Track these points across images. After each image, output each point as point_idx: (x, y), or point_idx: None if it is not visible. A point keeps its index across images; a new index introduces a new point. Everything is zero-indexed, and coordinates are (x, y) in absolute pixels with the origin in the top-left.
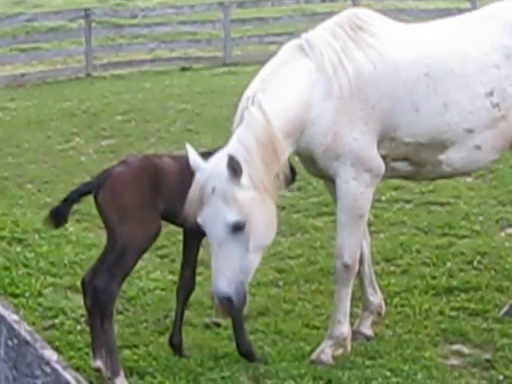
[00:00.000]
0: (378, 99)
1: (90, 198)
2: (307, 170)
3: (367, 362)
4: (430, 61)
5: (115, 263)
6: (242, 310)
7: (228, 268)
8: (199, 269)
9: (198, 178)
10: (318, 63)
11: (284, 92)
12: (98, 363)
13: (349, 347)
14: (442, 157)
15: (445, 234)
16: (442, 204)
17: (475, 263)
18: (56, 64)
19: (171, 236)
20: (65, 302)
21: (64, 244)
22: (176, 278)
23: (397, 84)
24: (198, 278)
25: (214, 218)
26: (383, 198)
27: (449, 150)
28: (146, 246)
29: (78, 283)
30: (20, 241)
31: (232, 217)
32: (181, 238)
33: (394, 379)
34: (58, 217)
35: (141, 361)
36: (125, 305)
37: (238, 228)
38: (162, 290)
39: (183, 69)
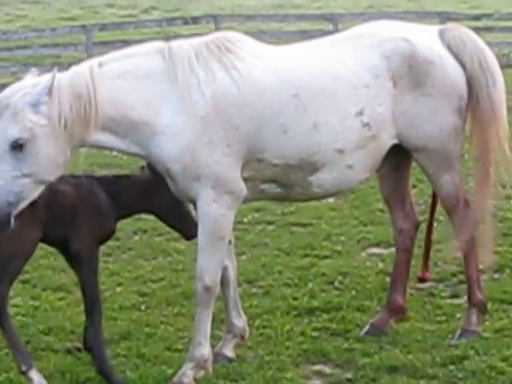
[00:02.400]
0: (242, 121)
1: None
2: (173, 192)
3: None
4: (299, 82)
5: (2, 268)
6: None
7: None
8: (60, 294)
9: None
10: (173, 76)
11: (129, 78)
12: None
13: (210, 369)
14: (311, 178)
15: (307, 255)
16: (303, 225)
17: (336, 283)
18: None
19: (33, 261)
20: None
21: None
22: (37, 303)
23: (263, 106)
24: (60, 303)
25: None
26: (245, 219)
27: (319, 171)
28: (29, 253)
29: None
30: None
31: (13, 132)
32: (42, 263)
33: None
34: None
35: None
36: None
37: (16, 146)
38: (23, 315)
39: None
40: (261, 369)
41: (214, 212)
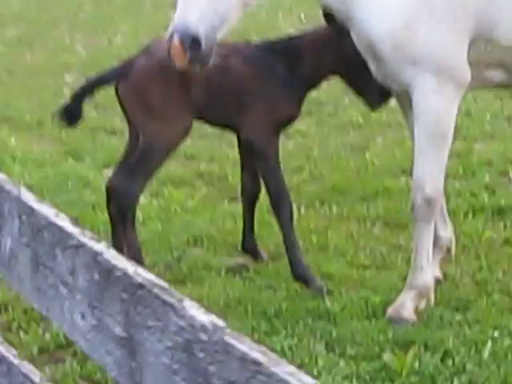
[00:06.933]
0: None
1: None
2: (375, 76)
3: (457, 316)
4: None
5: (138, 163)
6: (205, 63)
7: (202, 2)
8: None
9: None
10: None
11: None
12: None
13: (432, 298)
14: None
15: None
16: None
17: None
18: None
19: None
20: None
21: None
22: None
23: None
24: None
25: None
26: None
27: None
28: (173, 145)
29: None
30: None
31: None
32: None
33: None
34: (70, 116)
35: None
36: None
37: None
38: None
39: None
40: (485, 295)
41: (434, 105)
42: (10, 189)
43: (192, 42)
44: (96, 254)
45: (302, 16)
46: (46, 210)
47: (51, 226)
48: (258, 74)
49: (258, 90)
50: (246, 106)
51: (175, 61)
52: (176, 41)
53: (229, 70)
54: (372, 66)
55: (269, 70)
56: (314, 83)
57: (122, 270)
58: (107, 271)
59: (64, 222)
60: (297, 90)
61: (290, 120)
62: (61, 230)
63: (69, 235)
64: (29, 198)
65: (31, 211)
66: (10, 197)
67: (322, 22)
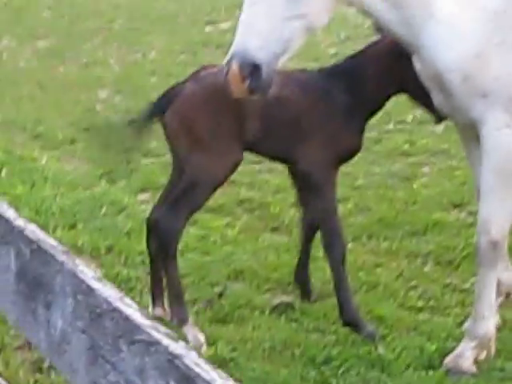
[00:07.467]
0: None
1: None
2: (440, 108)
3: None
4: None
5: (182, 197)
6: (265, 92)
7: (264, 27)
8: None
9: None
10: None
11: None
12: (159, 311)
13: (493, 349)
14: None
15: None
16: None
17: None
18: None
19: None
20: None
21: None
22: None
23: None
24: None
25: None
26: None
27: None
28: (221, 180)
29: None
30: None
31: None
32: None
33: None
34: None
35: None
36: None
37: None
38: None
39: None
40: None
41: (506, 141)
42: (64, 260)
43: (252, 70)
44: (173, 356)
45: (342, 36)
46: (107, 290)
47: (114, 312)
48: (315, 104)
49: (316, 120)
50: (304, 138)
51: (232, 89)
52: (235, 67)
53: (285, 100)
54: (437, 98)
55: (327, 99)
56: (378, 106)
57: (208, 382)
58: (188, 380)
59: (130, 308)
60: (359, 117)
61: (351, 153)
62: (126, 319)
63: (137, 327)
64: (87, 273)
65: (89, 291)
66: (63, 269)
67: (364, 41)
